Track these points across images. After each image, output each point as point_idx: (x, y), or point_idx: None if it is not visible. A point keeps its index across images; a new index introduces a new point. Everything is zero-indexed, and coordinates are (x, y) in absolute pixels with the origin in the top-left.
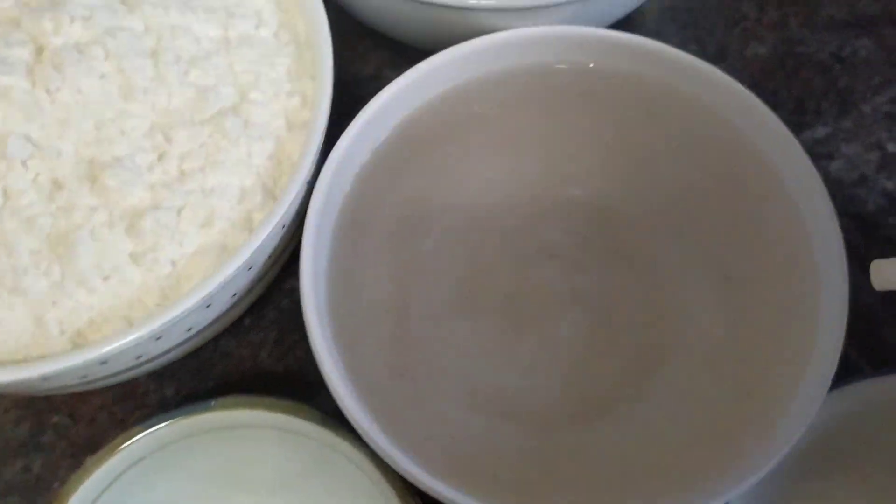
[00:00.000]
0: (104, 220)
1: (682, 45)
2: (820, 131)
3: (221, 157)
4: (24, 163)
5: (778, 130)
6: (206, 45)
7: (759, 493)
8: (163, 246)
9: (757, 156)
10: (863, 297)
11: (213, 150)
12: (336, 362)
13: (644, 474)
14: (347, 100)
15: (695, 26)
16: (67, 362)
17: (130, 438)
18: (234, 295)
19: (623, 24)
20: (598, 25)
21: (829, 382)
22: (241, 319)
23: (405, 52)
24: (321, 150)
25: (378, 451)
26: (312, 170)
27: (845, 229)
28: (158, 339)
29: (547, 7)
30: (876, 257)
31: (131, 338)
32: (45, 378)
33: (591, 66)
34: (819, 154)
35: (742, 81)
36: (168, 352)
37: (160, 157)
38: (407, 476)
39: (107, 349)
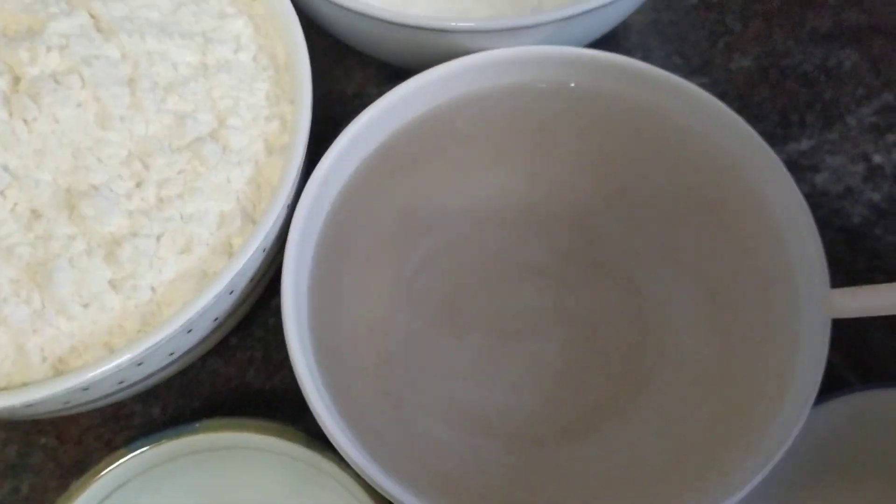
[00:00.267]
0: (83, 248)
1: (666, 59)
2: (805, 143)
3: (200, 184)
4: (2, 193)
5: (758, 147)
6: (184, 71)
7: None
8: (142, 273)
9: (738, 172)
10: None
11: (192, 176)
12: (318, 384)
13: (629, 492)
14: (329, 116)
15: (679, 40)
16: (50, 390)
17: (115, 462)
18: (216, 319)
19: (608, 38)
20: (579, 44)
21: (812, 398)
22: (227, 338)
23: (387, 69)
24: (302, 172)
25: (359, 472)
26: (293, 193)
27: (831, 241)
28: (140, 364)
29: (525, 28)
30: (862, 269)
31: (112, 364)
32: (27, 405)
33: (572, 84)
34: (804, 166)
35: (727, 94)
36: (150, 376)
37: (138, 185)
38: (389, 496)
39: (89, 376)
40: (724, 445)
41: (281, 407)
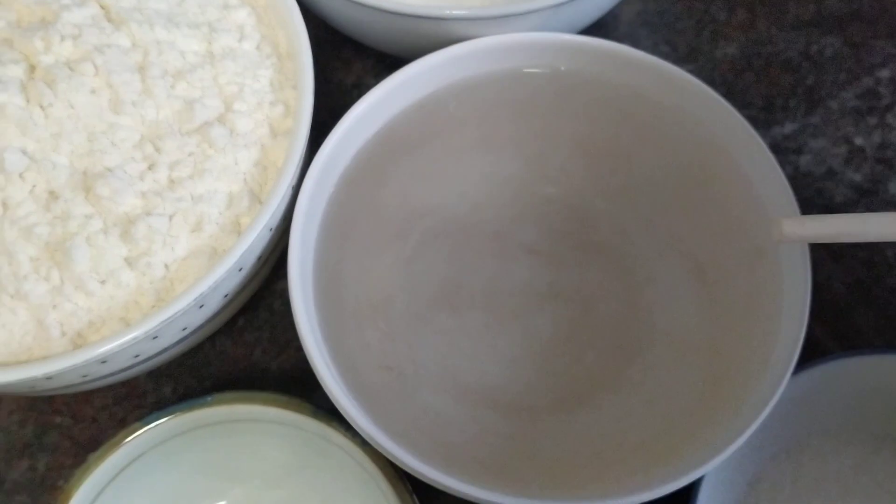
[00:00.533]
0: (99, 227)
1: (653, 48)
2: (788, 127)
3: (209, 165)
4: (21, 175)
5: (740, 126)
6: (191, 59)
7: (736, 464)
8: (156, 250)
9: (722, 151)
10: (833, 285)
11: (201, 158)
12: (325, 356)
13: (622, 455)
14: (331, 107)
15: (666, 29)
16: (69, 362)
17: (131, 434)
18: (226, 296)
19: (597, 28)
20: (570, 31)
21: (792, 365)
22: (235, 320)
23: (385, 60)
24: (305, 156)
25: (367, 438)
26: (297, 174)
27: None
28: (155, 338)
29: (518, 15)
30: (845, 245)
31: (129, 337)
32: (48, 377)
33: (563, 69)
34: (788, 149)
35: (713, 81)
36: (164, 351)
37: (150, 167)
38: (395, 461)
39: (106, 349)
40: (710, 411)
41: (287, 385)
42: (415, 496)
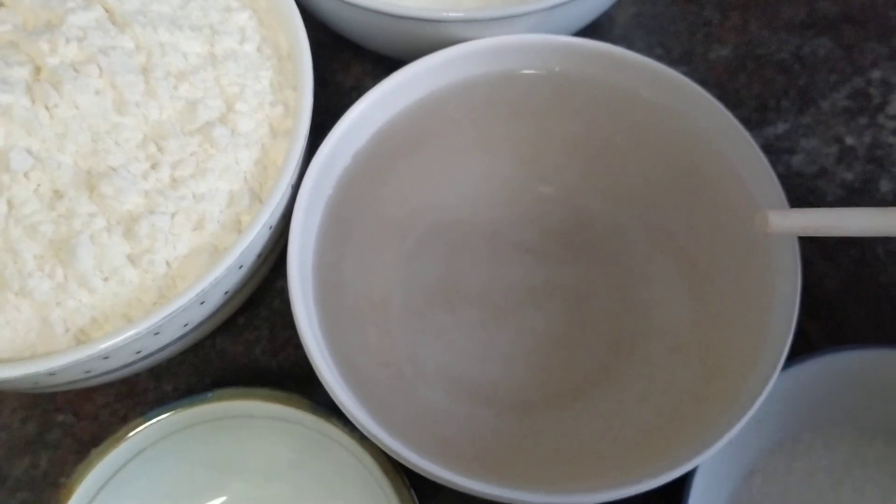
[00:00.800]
0: (102, 225)
1: (648, 50)
2: (781, 127)
3: (210, 165)
4: (26, 174)
5: (732, 127)
6: (194, 61)
7: (730, 458)
8: (158, 248)
9: (715, 151)
10: (825, 282)
11: (203, 158)
12: (324, 353)
13: (618, 448)
14: (330, 107)
15: (660, 31)
16: (72, 357)
17: (133, 430)
18: (227, 293)
19: (592, 31)
20: (565, 32)
21: (782, 359)
22: (235, 318)
23: (383, 62)
24: (304, 156)
25: (366, 433)
26: (296, 174)
27: None
28: (156, 334)
29: (513, 17)
30: (836, 243)
31: (131, 333)
32: (51, 373)
33: (557, 69)
34: (781, 149)
35: (706, 83)
36: (166, 347)
37: (153, 166)
38: (393, 454)
39: (108, 344)
40: (703, 405)
41: (286, 383)
42: (412, 490)
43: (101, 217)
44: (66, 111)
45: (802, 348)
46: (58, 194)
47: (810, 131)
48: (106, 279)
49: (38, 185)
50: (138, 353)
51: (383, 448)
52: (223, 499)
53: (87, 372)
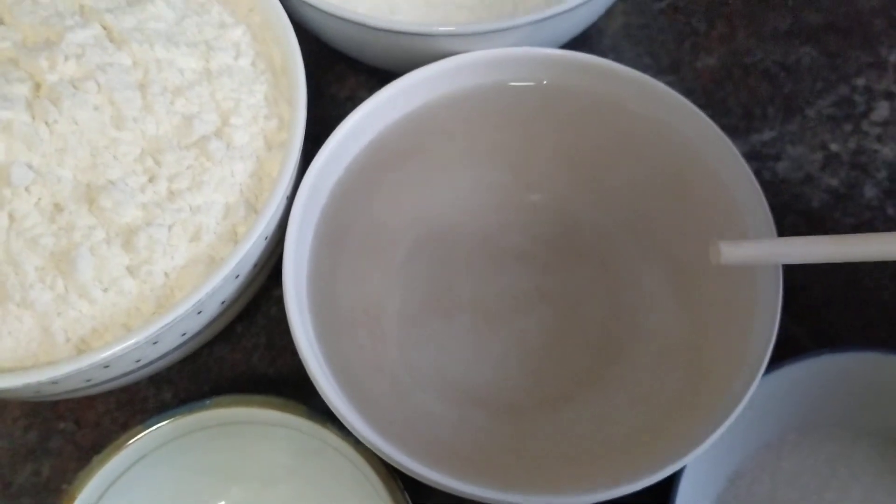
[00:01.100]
0: (102, 237)
1: (636, 60)
2: (767, 135)
3: (206, 177)
4: (26, 189)
5: (716, 136)
6: (190, 76)
7: (716, 459)
8: (156, 259)
9: (700, 159)
10: (812, 287)
11: (199, 171)
12: (319, 360)
13: (607, 450)
14: (324, 118)
15: (648, 41)
16: (73, 366)
17: (133, 437)
18: (224, 302)
19: (582, 41)
20: (553, 45)
21: (765, 360)
22: (233, 326)
23: (377, 74)
24: (299, 167)
25: (360, 438)
26: (291, 185)
27: (793, 224)
28: (155, 343)
29: (502, 31)
30: None
31: (130, 342)
32: (53, 382)
33: (545, 82)
34: (767, 156)
35: (693, 91)
36: (165, 355)
37: (151, 179)
38: (387, 458)
39: (108, 353)
40: (690, 407)
41: (284, 389)
42: (406, 493)
43: (101, 229)
44: (65, 126)
45: (788, 350)
46: (58, 207)
47: (796, 138)
48: (105, 290)
49: (39, 198)
50: (138, 361)
51: (378, 452)
52: None
53: (88, 380)
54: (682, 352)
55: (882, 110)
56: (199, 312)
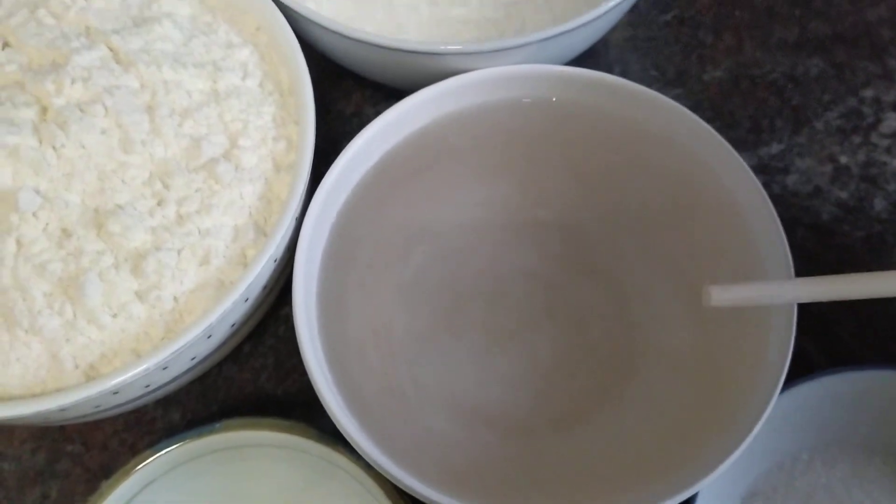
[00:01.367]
0: (110, 262)
1: (643, 72)
2: (775, 147)
3: (215, 200)
4: (34, 214)
5: (726, 151)
6: (197, 98)
7: (730, 479)
8: (165, 284)
9: (709, 175)
10: (823, 302)
11: (208, 193)
12: (328, 381)
13: (619, 472)
14: (331, 135)
15: (655, 54)
16: (82, 394)
17: (142, 462)
18: (233, 325)
19: (589, 54)
20: (561, 61)
21: (780, 381)
22: (241, 346)
23: (383, 89)
24: (307, 188)
25: (370, 461)
26: (300, 207)
27: (802, 238)
28: (165, 368)
29: (509, 49)
30: (832, 262)
31: (140, 369)
32: (62, 409)
33: (554, 99)
34: (775, 169)
35: (700, 104)
36: (174, 380)
37: (159, 203)
38: (397, 483)
39: (118, 380)
40: (704, 428)
41: (292, 410)
42: None
43: (109, 254)
44: (72, 151)
45: (800, 367)
46: (66, 233)
47: (804, 151)
48: (114, 315)
49: (47, 223)
50: (147, 386)
51: (387, 476)
52: None
53: (97, 407)
54: (695, 370)
55: (891, 121)
56: (208, 337)
